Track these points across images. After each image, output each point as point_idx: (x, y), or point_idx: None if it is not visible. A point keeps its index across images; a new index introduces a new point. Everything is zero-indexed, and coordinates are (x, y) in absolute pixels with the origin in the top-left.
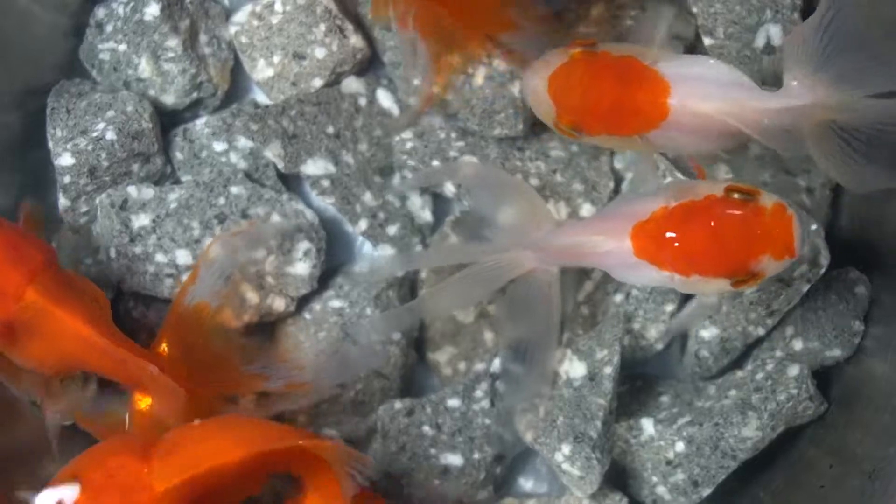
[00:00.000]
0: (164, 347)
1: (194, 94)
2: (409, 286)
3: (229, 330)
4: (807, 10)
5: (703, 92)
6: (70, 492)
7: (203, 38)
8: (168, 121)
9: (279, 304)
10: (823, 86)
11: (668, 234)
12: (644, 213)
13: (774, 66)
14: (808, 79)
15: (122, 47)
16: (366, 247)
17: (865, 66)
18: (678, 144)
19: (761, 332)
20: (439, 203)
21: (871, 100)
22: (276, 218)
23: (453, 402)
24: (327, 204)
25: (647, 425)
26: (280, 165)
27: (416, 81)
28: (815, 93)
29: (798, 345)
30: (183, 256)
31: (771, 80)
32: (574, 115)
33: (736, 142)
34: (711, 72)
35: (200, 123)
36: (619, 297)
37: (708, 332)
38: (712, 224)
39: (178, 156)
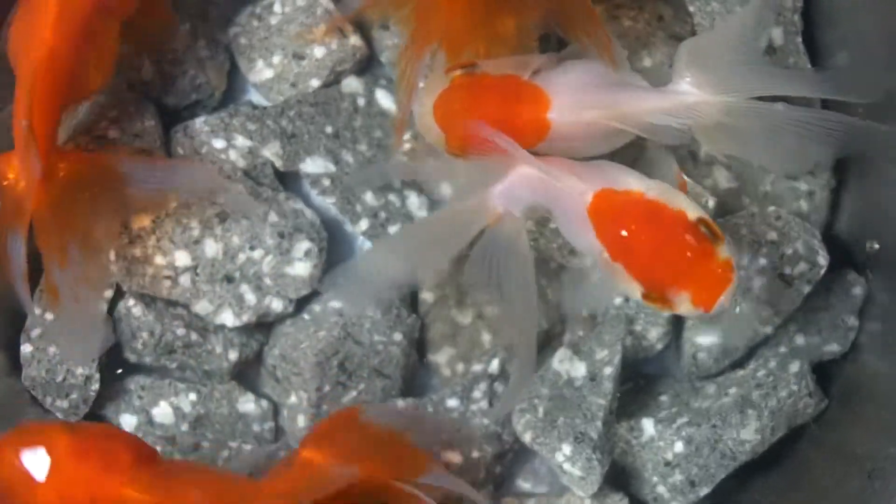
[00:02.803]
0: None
1: (193, 96)
2: (408, 286)
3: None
4: (807, 12)
5: (583, 100)
6: None
7: (201, 41)
8: (169, 120)
9: (277, 304)
10: (710, 86)
11: (626, 217)
12: (620, 184)
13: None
14: (695, 79)
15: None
16: (366, 246)
17: (749, 75)
18: (568, 151)
19: (769, 330)
20: (439, 203)
21: (755, 101)
22: (273, 218)
23: (452, 403)
24: (328, 204)
25: (648, 425)
26: (278, 164)
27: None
28: (702, 92)
29: (800, 340)
30: (182, 258)
31: None
32: (462, 140)
33: (624, 139)
34: (591, 78)
35: (200, 122)
36: (619, 300)
37: (707, 335)
38: (664, 235)
39: (180, 151)
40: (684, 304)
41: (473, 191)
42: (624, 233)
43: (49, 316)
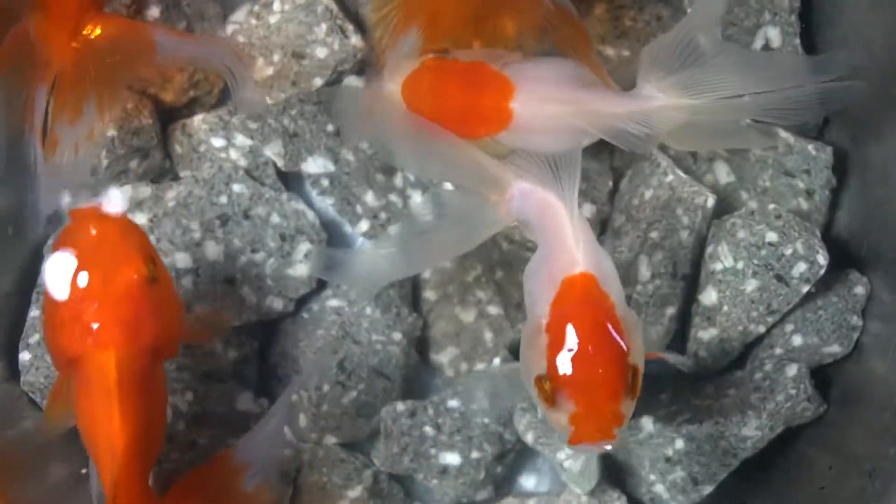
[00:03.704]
0: None
1: (191, 93)
2: (410, 286)
3: None
4: (804, 13)
5: (547, 93)
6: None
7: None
8: (167, 117)
9: (278, 304)
10: (674, 90)
11: (583, 318)
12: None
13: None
14: (660, 83)
15: None
16: (366, 247)
17: (712, 77)
18: (529, 144)
19: (762, 329)
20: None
21: (720, 101)
22: (275, 219)
23: (453, 403)
24: (327, 204)
25: (647, 423)
26: (280, 164)
27: None
28: (667, 95)
29: (797, 340)
30: (183, 260)
31: None
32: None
33: (590, 139)
34: (560, 74)
35: (198, 120)
36: None
37: (707, 334)
38: (600, 355)
39: (178, 149)
40: (562, 416)
41: (493, 189)
42: (571, 328)
43: None
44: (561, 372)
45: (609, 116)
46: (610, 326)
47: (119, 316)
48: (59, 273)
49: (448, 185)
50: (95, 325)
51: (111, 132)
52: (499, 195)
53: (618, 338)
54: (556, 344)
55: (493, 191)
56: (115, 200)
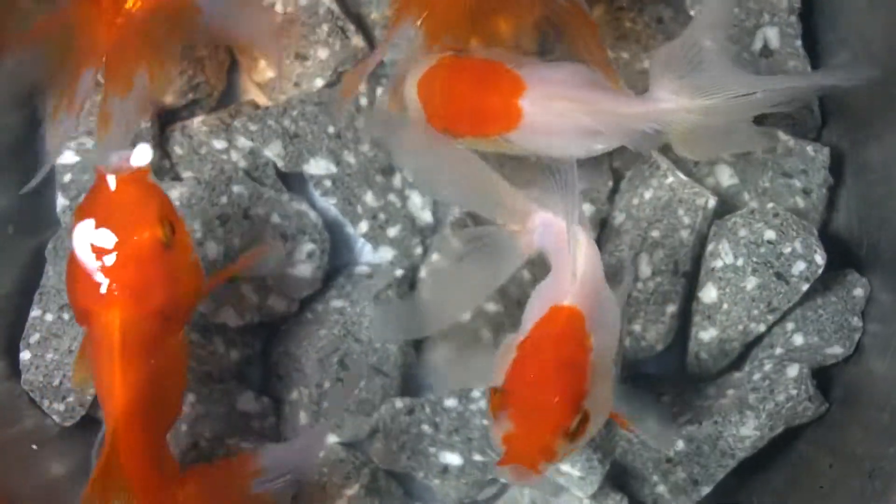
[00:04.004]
0: None
1: (190, 95)
2: (408, 285)
3: None
4: (804, 14)
5: (556, 92)
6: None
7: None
8: (165, 119)
9: (280, 305)
10: (686, 92)
11: (543, 351)
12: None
13: (773, 68)
14: (672, 85)
15: None
16: (367, 248)
17: (722, 78)
18: (541, 146)
19: (762, 328)
20: (440, 204)
21: (730, 100)
22: (276, 219)
23: (450, 403)
24: (329, 204)
25: None
26: (280, 164)
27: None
28: (679, 98)
29: (798, 340)
30: None
31: None
32: (439, 118)
33: (604, 146)
34: (573, 75)
35: (197, 122)
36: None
37: (707, 334)
38: (553, 390)
39: (178, 150)
40: (500, 433)
41: (515, 219)
42: (535, 353)
43: (48, 317)
44: (511, 390)
45: (619, 116)
46: (573, 365)
47: (127, 277)
48: (80, 229)
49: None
50: (104, 284)
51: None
52: (520, 225)
53: (576, 378)
54: (518, 364)
55: (514, 221)
56: (143, 154)
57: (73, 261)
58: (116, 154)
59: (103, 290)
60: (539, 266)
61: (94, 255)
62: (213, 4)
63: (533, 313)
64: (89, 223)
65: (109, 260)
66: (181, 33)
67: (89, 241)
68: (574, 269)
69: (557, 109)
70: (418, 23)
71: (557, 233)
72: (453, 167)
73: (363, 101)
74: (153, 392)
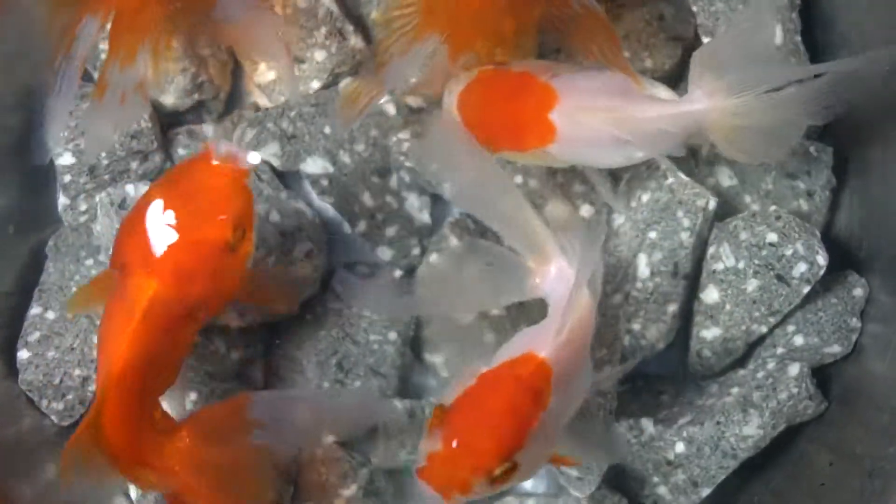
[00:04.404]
0: None
1: (195, 96)
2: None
3: None
4: (805, 11)
5: (587, 104)
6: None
7: (201, 39)
8: (168, 122)
9: (281, 306)
10: (722, 92)
11: (499, 384)
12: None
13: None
14: (710, 85)
15: None
16: (365, 247)
17: (757, 70)
18: (579, 157)
19: (764, 329)
20: (438, 204)
21: (764, 95)
22: (275, 217)
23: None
24: (327, 204)
25: (648, 425)
26: (276, 164)
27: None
28: (714, 97)
29: (799, 340)
30: None
31: None
32: (477, 134)
33: (643, 154)
34: (606, 84)
35: (204, 127)
36: (618, 298)
37: (710, 332)
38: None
39: (181, 151)
40: (427, 448)
41: (535, 256)
42: (491, 389)
43: (50, 315)
44: (454, 416)
45: (649, 122)
46: (521, 416)
47: (181, 260)
48: (166, 189)
49: (446, 188)
50: (158, 254)
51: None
52: (536, 264)
53: (518, 429)
54: (472, 394)
55: (533, 258)
56: (254, 158)
57: (139, 213)
58: (230, 145)
59: (153, 257)
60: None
61: (164, 221)
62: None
63: (509, 349)
64: (176, 190)
65: (174, 236)
66: (193, 17)
67: (169, 205)
68: (563, 328)
69: (587, 120)
70: (442, 39)
71: (564, 285)
72: (492, 192)
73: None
74: (152, 367)
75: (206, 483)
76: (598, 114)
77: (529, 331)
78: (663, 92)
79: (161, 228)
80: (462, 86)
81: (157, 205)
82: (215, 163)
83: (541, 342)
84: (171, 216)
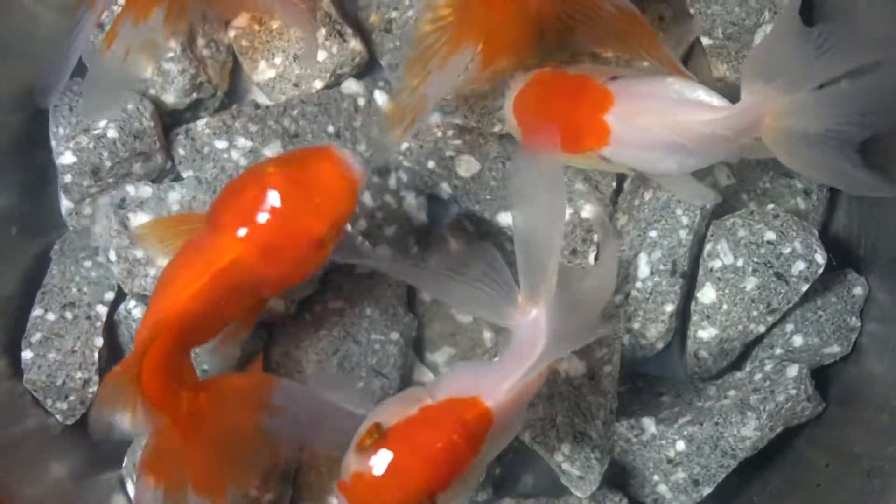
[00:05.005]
0: None
1: (194, 95)
2: (405, 287)
3: None
4: (804, 12)
5: (643, 108)
6: None
7: (200, 41)
8: (169, 121)
9: (279, 305)
10: (774, 92)
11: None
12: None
13: None
14: (761, 89)
15: None
16: (365, 246)
17: (807, 68)
18: (633, 162)
19: (762, 329)
20: (436, 205)
21: (814, 92)
22: None
23: None
24: None
25: (649, 425)
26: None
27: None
28: (767, 99)
29: (798, 341)
30: None
31: None
32: (532, 133)
33: (695, 160)
34: (661, 89)
35: (202, 124)
36: (618, 298)
37: (707, 333)
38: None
39: (181, 152)
40: (353, 465)
41: (528, 294)
42: (428, 426)
43: (50, 316)
44: (388, 440)
45: (701, 125)
46: (454, 459)
47: (276, 241)
48: (279, 167)
49: (444, 188)
50: (258, 225)
51: (112, 134)
52: (524, 302)
53: (449, 471)
54: (412, 425)
55: (526, 295)
56: (367, 174)
57: (252, 180)
58: (352, 153)
59: (250, 225)
60: None
61: (272, 197)
62: None
63: (459, 382)
64: (294, 174)
65: (278, 214)
66: None
67: (283, 185)
68: (516, 384)
69: (642, 124)
70: (478, 49)
71: (532, 336)
72: (544, 226)
73: (361, 102)
74: (203, 322)
75: (201, 447)
76: (653, 116)
77: (479, 369)
78: (716, 98)
79: (267, 202)
80: (517, 89)
81: (271, 179)
82: (336, 163)
83: (490, 389)
84: (281, 195)
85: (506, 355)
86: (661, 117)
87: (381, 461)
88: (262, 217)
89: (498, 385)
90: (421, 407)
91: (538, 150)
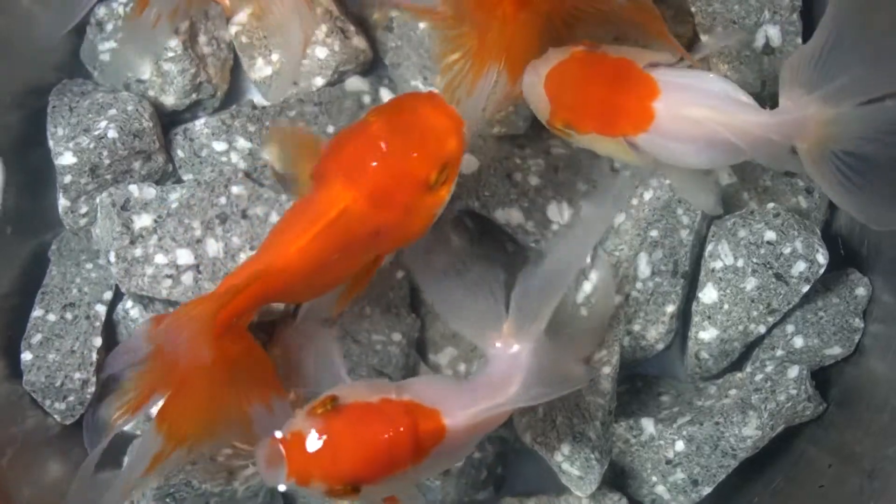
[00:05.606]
0: None
1: (194, 95)
2: (408, 287)
3: None
4: (805, 13)
5: (692, 99)
6: None
7: (202, 38)
8: (169, 121)
9: (279, 305)
10: (816, 103)
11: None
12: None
13: (775, 66)
14: (801, 98)
15: None
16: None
17: (856, 81)
18: (667, 153)
19: (762, 329)
20: None
21: (860, 107)
22: (274, 219)
23: None
24: None
25: (648, 425)
26: (277, 166)
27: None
28: (808, 109)
29: (798, 342)
30: (184, 256)
31: (771, 81)
32: (566, 112)
33: (726, 158)
34: (707, 84)
35: (199, 124)
36: (618, 299)
37: (708, 334)
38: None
39: (180, 153)
40: (295, 424)
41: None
42: (372, 415)
43: (51, 317)
44: (338, 417)
45: (751, 125)
46: (392, 460)
47: (382, 185)
48: (381, 114)
49: None
50: (363, 171)
51: (113, 134)
52: (508, 332)
53: (381, 467)
54: (369, 409)
55: (514, 325)
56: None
57: (355, 130)
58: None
59: (356, 173)
60: None
61: (376, 144)
62: None
63: (427, 391)
64: (397, 118)
65: (382, 159)
66: None
67: (386, 131)
68: (479, 415)
69: (693, 116)
70: (501, 66)
71: (506, 369)
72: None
73: (366, 100)
74: (313, 276)
75: (206, 396)
76: (703, 111)
77: (449, 385)
78: (752, 100)
79: (371, 149)
80: (551, 64)
81: (373, 127)
82: (439, 106)
83: (453, 409)
84: (385, 140)
85: (478, 382)
86: (715, 113)
87: (322, 430)
88: (367, 163)
89: (463, 408)
90: (382, 398)
91: (564, 125)
